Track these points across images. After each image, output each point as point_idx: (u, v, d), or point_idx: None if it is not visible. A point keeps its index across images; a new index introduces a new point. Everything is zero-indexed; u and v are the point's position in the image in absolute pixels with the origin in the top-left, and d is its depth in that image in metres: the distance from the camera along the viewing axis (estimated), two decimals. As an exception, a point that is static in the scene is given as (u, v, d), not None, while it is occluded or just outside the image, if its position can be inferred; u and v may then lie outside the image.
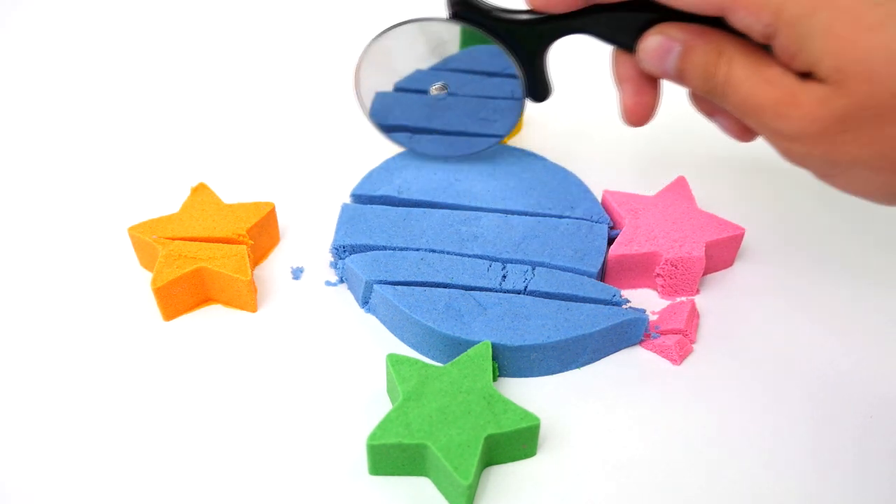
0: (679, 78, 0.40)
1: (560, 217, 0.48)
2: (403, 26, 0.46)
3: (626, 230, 0.47)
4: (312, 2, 0.75)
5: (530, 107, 0.60)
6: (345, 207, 0.49)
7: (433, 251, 0.46)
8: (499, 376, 0.43)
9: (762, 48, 0.37)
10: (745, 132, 0.42)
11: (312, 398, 0.42)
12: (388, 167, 0.51)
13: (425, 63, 0.49)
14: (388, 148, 0.59)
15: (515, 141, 0.58)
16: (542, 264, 0.46)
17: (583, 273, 0.46)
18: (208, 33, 0.71)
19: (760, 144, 0.41)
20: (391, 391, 0.41)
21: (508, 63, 0.45)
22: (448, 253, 0.46)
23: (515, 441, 0.39)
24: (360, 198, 0.50)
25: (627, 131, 0.50)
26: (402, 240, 0.47)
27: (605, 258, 0.46)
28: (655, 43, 0.40)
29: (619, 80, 0.44)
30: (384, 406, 0.41)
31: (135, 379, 0.43)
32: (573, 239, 0.47)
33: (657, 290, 0.47)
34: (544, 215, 0.49)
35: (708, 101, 0.42)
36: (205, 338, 0.45)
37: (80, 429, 0.41)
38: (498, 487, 0.39)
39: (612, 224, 0.49)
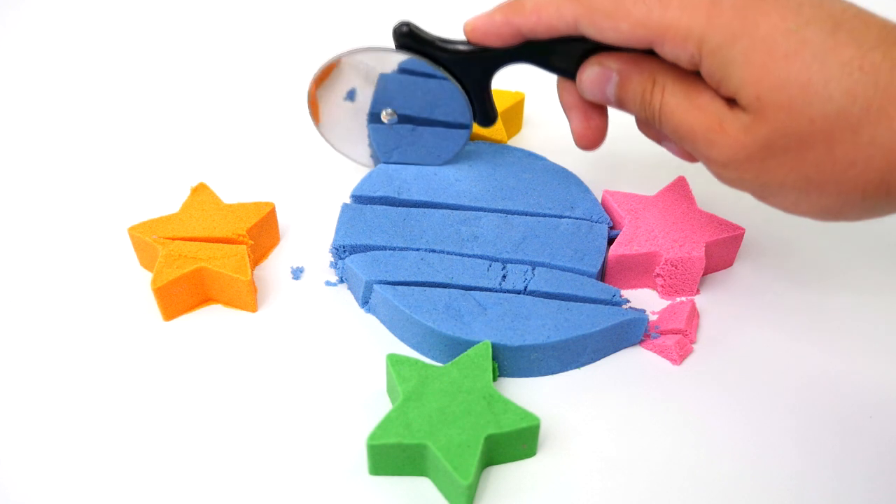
0: (619, 105, 0.42)
1: (560, 217, 0.48)
2: (353, 55, 0.47)
3: (626, 230, 0.47)
4: (312, 3, 0.75)
5: (530, 107, 0.60)
6: (345, 207, 0.49)
7: (433, 251, 0.46)
8: (499, 376, 0.43)
9: (695, 75, 0.38)
10: (691, 155, 0.43)
11: (312, 398, 0.42)
12: (387, 168, 0.51)
13: (373, 89, 0.50)
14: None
15: (515, 141, 0.58)
16: (541, 264, 0.46)
17: (582, 273, 0.46)
18: (208, 34, 0.71)
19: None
20: (391, 391, 0.41)
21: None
22: (448, 253, 0.46)
23: (515, 441, 0.39)
24: (359, 198, 0.50)
25: (628, 131, 0.50)
26: (402, 240, 0.47)
27: (605, 258, 0.47)
28: (593, 73, 0.42)
29: (566, 107, 0.45)
30: (384, 406, 0.41)
31: (135, 379, 0.43)
32: (573, 239, 0.47)
33: (657, 290, 0.47)
34: (544, 215, 0.49)
35: (653, 128, 0.44)
36: (205, 338, 0.45)
37: (81, 429, 0.41)
38: (498, 487, 0.39)
39: (611, 224, 0.49)
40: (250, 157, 0.57)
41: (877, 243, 0.50)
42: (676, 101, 0.38)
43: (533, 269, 0.45)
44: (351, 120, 0.52)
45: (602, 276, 0.47)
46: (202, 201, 0.49)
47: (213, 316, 0.46)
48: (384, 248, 0.47)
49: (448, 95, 0.47)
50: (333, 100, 0.50)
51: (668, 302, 0.47)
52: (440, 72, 0.46)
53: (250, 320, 0.46)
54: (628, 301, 0.45)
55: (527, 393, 0.42)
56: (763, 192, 0.38)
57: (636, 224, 0.48)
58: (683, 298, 0.47)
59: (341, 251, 0.47)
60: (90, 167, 0.56)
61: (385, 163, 0.52)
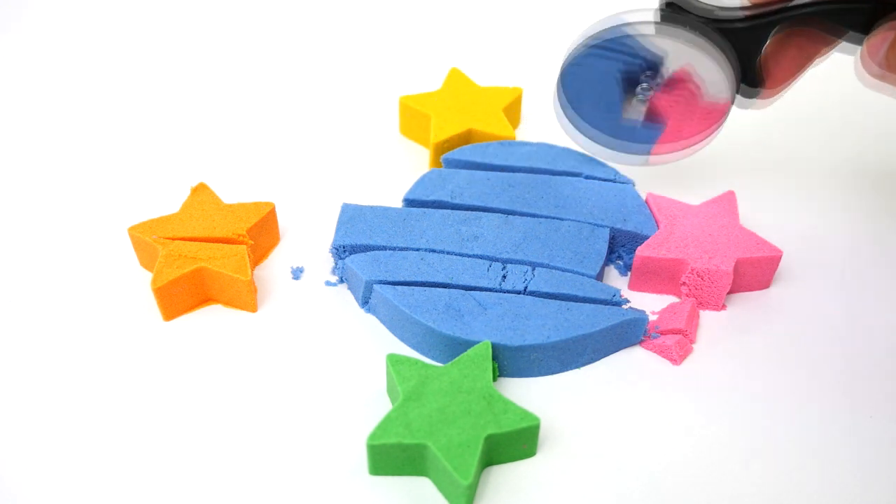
0: (890, 69, 0.41)
1: (612, 227, 0.48)
2: (619, 39, 0.45)
3: (659, 234, 0.47)
4: (312, 2, 0.75)
5: (528, 102, 0.60)
6: (345, 207, 0.49)
7: (433, 251, 0.46)
8: (499, 376, 0.43)
9: None
10: None
11: (312, 398, 0.42)
12: (440, 172, 0.51)
13: (630, 72, 0.47)
14: (390, 147, 0.59)
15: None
16: (541, 265, 0.46)
17: (581, 276, 0.45)
18: (209, 33, 0.71)
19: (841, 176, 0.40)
20: (391, 391, 0.41)
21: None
22: (448, 253, 0.46)
23: (515, 441, 0.39)
24: (412, 202, 0.50)
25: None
26: (402, 240, 0.47)
27: (604, 262, 0.46)
28: (873, 38, 0.41)
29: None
30: (384, 406, 0.41)
31: (135, 379, 0.43)
32: (573, 241, 0.47)
33: (681, 301, 0.47)
34: (593, 224, 0.48)
35: None
36: (205, 338, 0.45)
37: (80, 429, 0.41)
38: (498, 487, 0.39)
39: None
40: (250, 157, 0.58)
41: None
42: None
43: (533, 269, 0.45)
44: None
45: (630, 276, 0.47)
46: (202, 201, 0.49)
47: (213, 316, 0.46)
48: (384, 248, 0.47)
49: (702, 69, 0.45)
50: (587, 77, 0.47)
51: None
52: (700, 48, 0.43)
53: (250, 320, 0.46)
54: (628, 301, 0.45)
55: (527, 393, 0.42)
56: None
57: (670, 230, 0.47)
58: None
59: (341, 251, 0.47)
60: (90, 167, 0.56)
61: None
